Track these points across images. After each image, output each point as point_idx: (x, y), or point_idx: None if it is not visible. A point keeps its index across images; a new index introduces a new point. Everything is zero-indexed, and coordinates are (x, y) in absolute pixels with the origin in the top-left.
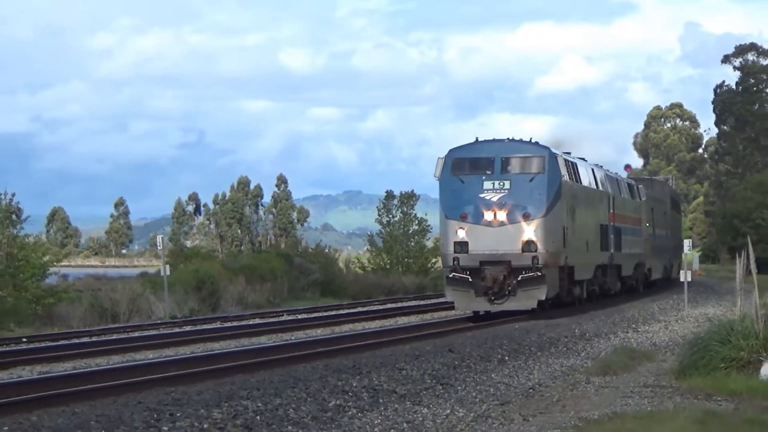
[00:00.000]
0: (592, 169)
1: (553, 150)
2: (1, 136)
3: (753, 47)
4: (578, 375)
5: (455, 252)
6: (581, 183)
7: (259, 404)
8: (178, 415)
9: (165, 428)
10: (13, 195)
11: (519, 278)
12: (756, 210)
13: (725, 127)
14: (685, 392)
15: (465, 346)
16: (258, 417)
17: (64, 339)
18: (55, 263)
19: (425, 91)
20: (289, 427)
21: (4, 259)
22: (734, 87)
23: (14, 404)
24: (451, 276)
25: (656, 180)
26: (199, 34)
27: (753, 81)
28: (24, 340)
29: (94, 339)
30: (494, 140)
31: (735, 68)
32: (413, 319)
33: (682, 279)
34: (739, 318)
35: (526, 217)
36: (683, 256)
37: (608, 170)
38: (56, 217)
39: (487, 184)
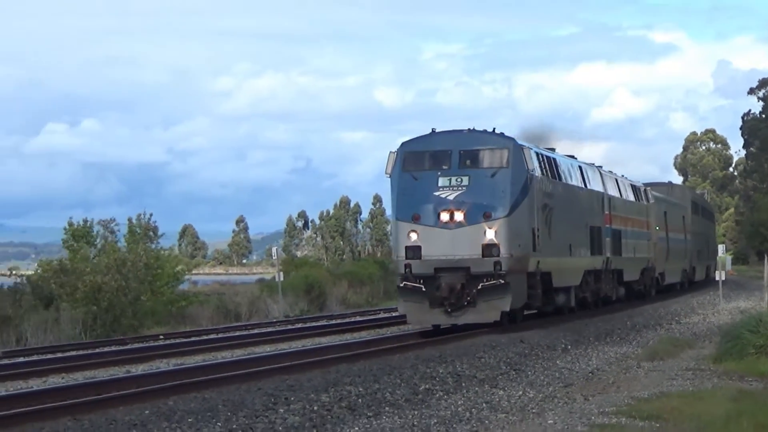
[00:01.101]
0: (580, 167)
1: (520, 142)
2: (140, 165)
3: None
4: (630, 361)
5: (407, 258)
6: (562, 180)
7: (360, 389)
8: (292, 399)
9: (281, 410)
10: (151, 215)
11: (479, 287)
12: None
13: (752, 149)
14: (721, 374)
15: (534, 337)
16: (360, 400)
17: (195, 336)
18: (186, 272)
19: (498, 122)
20: (387, 408)
21: (143, 269)
22: (759, 115)
23: (154, 391)
24: (402, 285)
25: (675, 185)
26: (306, 77)
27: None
28: (161, 337)
29: (220, 336)
30: (452, 131)
31: (759, 99)
32: None
33: (717, 278)
34: (766, 311)
35: (487, 217)
36: (718, 258)
37: (607, 170)
38: (187, 232)
39: (443, 181)
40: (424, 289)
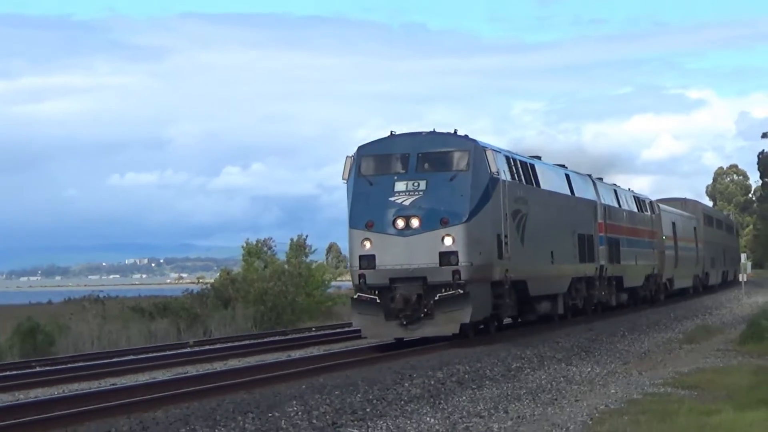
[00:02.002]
0: (567, 176)
1: (483, 143)
2: (298, 197)
3: None
4: (673, 344)
5: (361, 268)
6: (540, 186)
7: (467, 367)
8: (414, 375)
9: (406, 384)
10: (306, 236)
11: (437, 297)
12: None
13: (765, 180)
14: (744, 354)
15: (599, 326)
16: (466, 375)
17: (340, 328)
18: (332, 279)
19: (569, 162)
20: (487, 382)
21: (298, 276)
22: None
23: (307, 372)
24: (356, 297)
25: (688, 200)
26: (422, 128)
27: None
28: (313, 329)
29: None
30: (411, 134)
31: None
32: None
33: (740, 279)
34: None
35: (444, 223)
36: (741, 264)
37: (605, 181)
38: (332, 249)
39: (400, 186)
40: (378, 301)
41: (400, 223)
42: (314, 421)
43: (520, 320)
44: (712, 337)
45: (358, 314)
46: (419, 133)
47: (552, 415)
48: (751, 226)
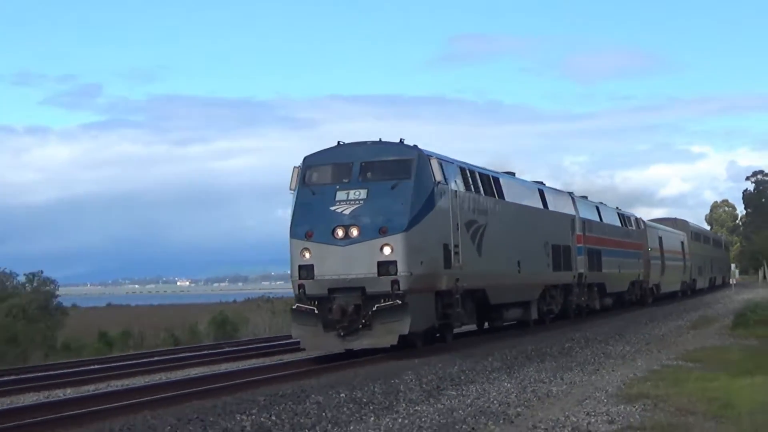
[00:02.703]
0: (541, 191)
1: (429, 152)
2: None
3: (760, 172)
4: (682, 329)
5: (300, 278)
6: (503, 198)
7: (530, 347)
8: (495, 353)
9: (489, 359)
10: None
11: (375, 308)
12: (764, 248)
13: (748, 210)
14: (735, 337)
15: (630, 315)
16: (532, 352)
17: None
18: None
19: (604, 198)
20: (548, 358)
21: None
22: (752, 191)
23: (423, 352)
24: (295, 308)
25: (678, 220)
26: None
27: (761, 188)
28: None
29: None
30: (357, 143)
31: (752, 182)
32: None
33: (731, 282)
34: (760, 299)
35: (383, 232)
36: (731, 271)
37: (594, 200)
38: None
39: (341, 195)
40: (316, 312)
41: (340, 232)
42: (424, 386)
43: (487, 326)
44: (711, 325)
45: (298, 325)
46: (364, 143)
47: (595, 381)
48: (738, 244)
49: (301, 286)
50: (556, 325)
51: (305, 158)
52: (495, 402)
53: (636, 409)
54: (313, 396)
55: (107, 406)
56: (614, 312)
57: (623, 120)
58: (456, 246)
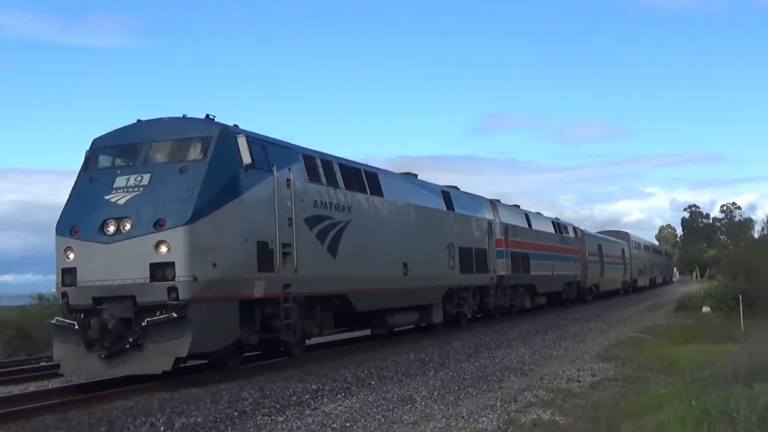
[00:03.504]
0: (446, 193)
1: (242, 129)
2: None
3: (693, 205)
4: (642, 312)
5: (63, 284)
6: (381, 196)
7: (538, 324)
8: (514, 327)
9: (510, 332)
10: None
11: (145, 323)
12: (695, 257)
13: (684, 232)
14: (678, 317)
15: (602, 303)
16: (539, 328)
17: None
18: None
19: (586, 224)
20: (549, 333)
21: None
22: (687, 218)
23: (443, 332)
24: (55, 322)
25: (620, 231)
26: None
27: (693, 216)
28: None
29: None
30: (155, 119)
31: (688, 212)
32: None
33: (674, 280)
34: (693, 292)
35: (160, 225)
36: (674, 272)
37: (530, 210)
38: None
39: (120, 181)
40: (77, 327)
41: (111, 227)
42: (466, 350)
43: (371, 333)
44: (660, 309)
45: (59, 343)
46: (161, 119)
47: (580, 347)
48: (677, 254)
49: (64, 295)
50: (509, 318)
51: (93, 140)
52: (515, 361)
53: (611, 366)
54: (390, 358)
55: None
56: (561, 308)
57: (599, 170)
58: (286, 245)
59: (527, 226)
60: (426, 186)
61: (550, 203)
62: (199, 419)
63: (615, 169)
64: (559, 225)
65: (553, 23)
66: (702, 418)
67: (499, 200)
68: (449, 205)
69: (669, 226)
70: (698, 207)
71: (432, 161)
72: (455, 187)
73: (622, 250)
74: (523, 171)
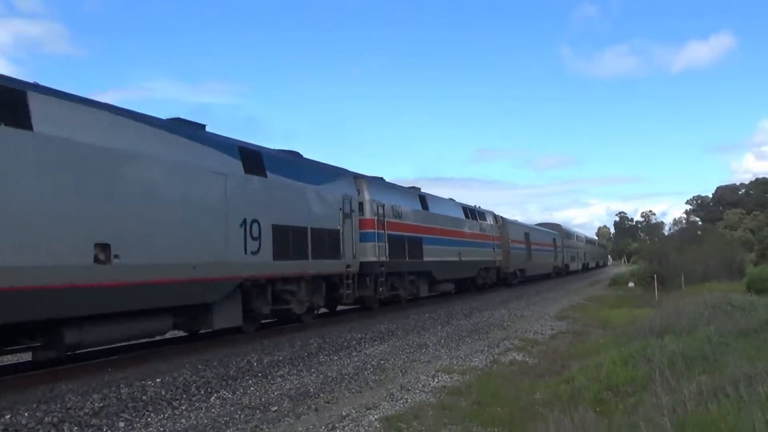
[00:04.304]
0: (256, 152)
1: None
2: None
3: (622, 212)
4: (587, 285)
5: None
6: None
7: (507, 295)
8: (496, 297)
9: (494, 300)
10: None
11: None
12: (625, 247)
13: (616, 230)
14: (611, 289)
15: (554, 280)
16: (512, 298)
17: None
18: None
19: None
20: (522, 301)
21: None
22: (618, 221)
23: (440, 301)
24: None
25: (554, 224)
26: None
27: (622, 220)
28: None
29: None
30: None
31: (618, 217)
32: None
33: (609, 264)
34: (622, 272)
35: None
36: (608, 258)
37: (423, 190)
38: None
39: None
40: None
41: None
42: (464, 312)
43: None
44: (599, 284)
45: None
46: None
47: (542, 310)
48: (611, 246)
49: None
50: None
51: None
52: (497, 319)
53: (564, 324)
54: (412, 316)
55: None
56: (481, 292)
57: (557, 188)
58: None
59: (421, 209)
60: (194, 136)
61: (522, 210)
62: (280, 357)
63: (567, 187)
64: (472, 211)
65: (528, 92)
66: (628, 360)
67: (382, 178)
68: (253, 168)
69: (605, 226)
70: (625, 213)
71: (442, 181)
72: (297, 153)
73: (554, 239)
74: (504, 188)
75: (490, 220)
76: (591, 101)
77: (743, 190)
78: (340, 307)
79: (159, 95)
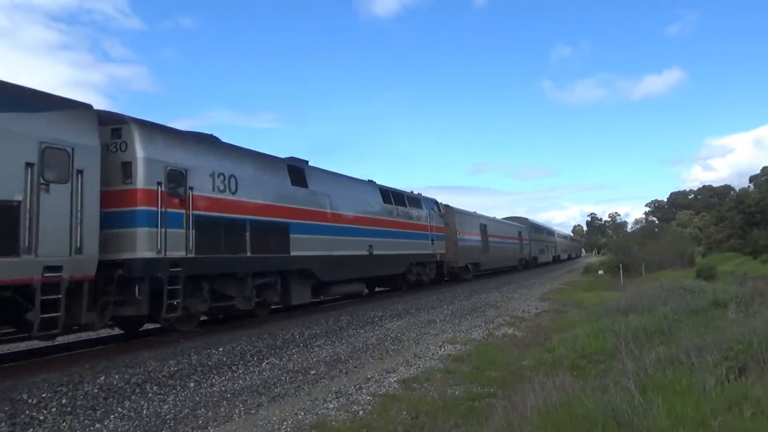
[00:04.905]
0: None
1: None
2: None
3: (593, 214)
4: (565, 273)
5: None
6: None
7: (508, 279)
8: (491, 284)
9: (490, 285)
10: None
11: None
12: (596, 241)
13: (587, 228)
14: (584, 276)
15: (540, 270)
16: (507, 284)
17: None
18: None
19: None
20: (513, 285)
21: None
22: (589, 221)
23: (443, 286)
24: None
25: (521, 218)
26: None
27: (593, 220)
28: None
29: None
30: None
31: (589, 217)
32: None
33: (582, 255)
34: (593, 262)
35: None
36: (582, 251)
37: (273, 158)
38: None
39: None
40: None
41: None
42: (465, 294)
43: None
44: (574, 272)
45: None
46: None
47: (530, 293)
48: (584, 241)
49: None
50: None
51: None
52: (492, 300)
53: (546, 304)
54: (423, 298)
55: None
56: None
57: (539, 194)
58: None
59: (290, 184)
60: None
61: (511, 212)
62: (317, 331)
63: (547, 193)
64: (398, 196)
65: (516, 116)
66: (599, 333)
67: (165, 127)
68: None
69: (579, 225)
70: (595, 214)
71: (444, 189)
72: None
73: (519, 232)
74: (495, 195)
75: (426, 208)
76: (567, 123)
77: (692, 195)
78: None
79: (220, 122)
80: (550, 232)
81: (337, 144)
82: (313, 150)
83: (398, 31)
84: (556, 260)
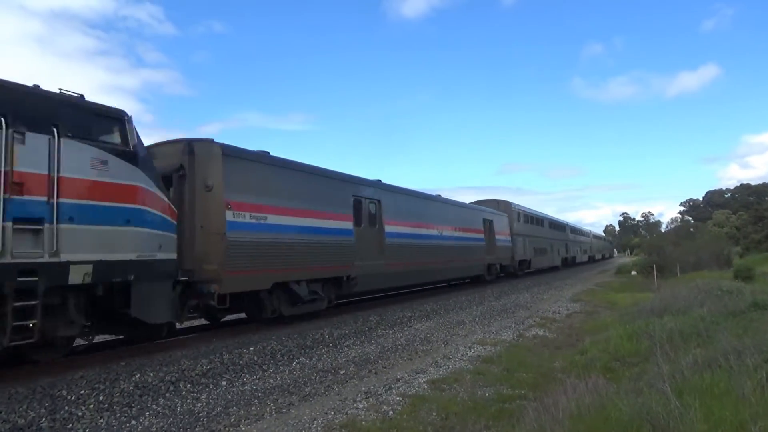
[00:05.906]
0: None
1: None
2: None
3: (625, 213)
4: (596, 274)
5: None
6: None
7: (526, 283)
8: (506, 287)
9: (505, 288)
10: None
11: None
12: (629, 242)
13: (619, 229)
14: (617, 277)
15: (573, 269)
16: (526, 285)
17: None
18: None
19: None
20: (534, 288)
21: None
22: (622, 221)
23: (460, 288)
24: None
25: (500, 201)
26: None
27: (625, 220)
28: None
29: None
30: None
31: (622, 217)
32: None
33: (615, 256)
34: (626, 262)
35: None
36: (614, 251)
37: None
38: None
39: None
40: None
41: None
42: (495, 294)
43: None
44: (607, 272)
45: None
46: None
47: (561, 294)
48: (616, 241)
49: None
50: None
51: None
52: (522, 301)
53: (577, 305)
54: (452, 299)
55: None
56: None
57: (569, 194)
58: None
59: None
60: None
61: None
62: (346, 331)
63: (578, 193)
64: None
65: (546, 115)
66: (632, 335)
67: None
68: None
69: (611, 225)
70: (628, 214)
71: (474, 189)
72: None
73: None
74: (525, 194)
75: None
76: (598, 122)
77: (729, 194)
78: None
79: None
80: (586, 234)
81: (366, 144)
82: (341, 152)
83: (427, 32)
84: (592, 260)
